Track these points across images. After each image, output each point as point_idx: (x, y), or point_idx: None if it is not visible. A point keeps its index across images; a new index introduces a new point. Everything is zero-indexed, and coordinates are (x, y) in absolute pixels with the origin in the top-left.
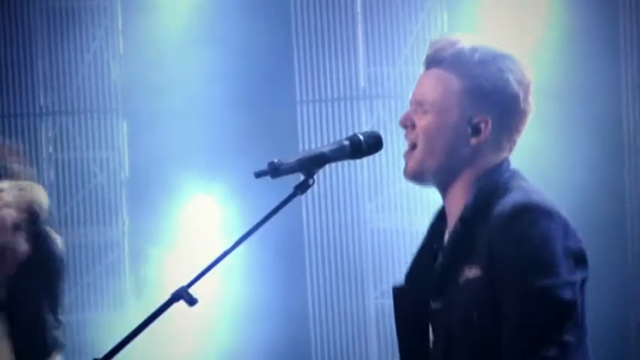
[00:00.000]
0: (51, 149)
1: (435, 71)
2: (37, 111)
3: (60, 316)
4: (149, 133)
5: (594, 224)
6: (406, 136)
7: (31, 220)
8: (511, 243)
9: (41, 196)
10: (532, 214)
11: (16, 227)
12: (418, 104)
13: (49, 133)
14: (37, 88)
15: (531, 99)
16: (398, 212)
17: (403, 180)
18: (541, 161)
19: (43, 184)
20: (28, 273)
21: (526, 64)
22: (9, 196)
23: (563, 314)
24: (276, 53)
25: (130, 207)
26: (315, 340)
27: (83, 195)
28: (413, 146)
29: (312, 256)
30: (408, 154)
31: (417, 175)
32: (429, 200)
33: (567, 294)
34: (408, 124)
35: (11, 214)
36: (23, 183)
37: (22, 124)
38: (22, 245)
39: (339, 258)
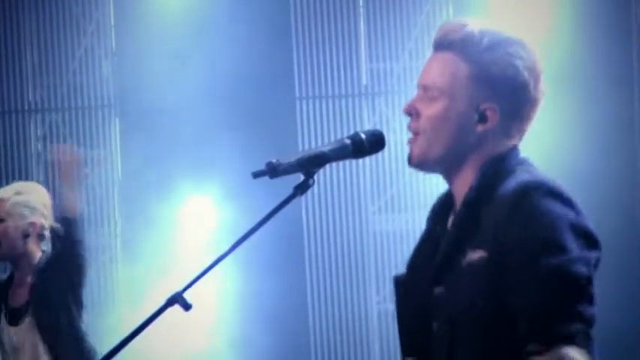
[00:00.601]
0: (40, 148)
1: (443, 55)
2: (26, 108)
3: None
4: (143, 131)
5: (606, 216)
6: (409, 125)
7: (40, 224)
8: (516, 223)
9: (42, 197)
10: (537, 192)
11: (26, 234)
12: (424, 89)
13: (38, 131)
14: (25, 84)
15: (542, 87)
16: (402, 213)
17: (407, 180)
18: (552, 151)
19: None
20: (50, 279)
21: (536, 51)
22: (11, 205)
23: (580, 289)
24: (274, 47)
25: (122, 208)
26: (315, 346)
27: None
28: (416, 134)
29: (312, 260)
30: (412, 141)
31: (421, 163)
32: (433, 201)
33: (581, 268)
34: (412, 112)
35: (17, 222)
36: (21, 186)
37: (10, 121)
38: (36, 251)
39: (340, 261)
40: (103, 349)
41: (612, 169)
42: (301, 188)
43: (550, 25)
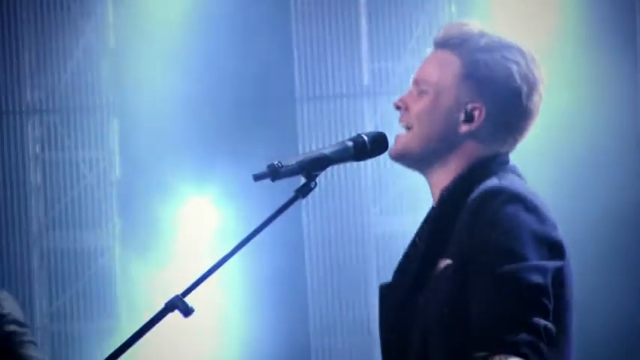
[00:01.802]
0: (38, 149)
1: (440, 53)
2: (24, 108)
3: None
4: (141, 131)
5: (610, 207)
6: (400, 119)
7: None
8: (477, 229)
9: None
10: (499, 198)
11: None
12: (415, 83)
13: (36, 132)
14: (23, 84)
15: (538, 99)
16: (404, 215)
17: (409, 181)
18: (554, 152)
19: (29, 186)
20: None
21: (537, 61)
22: None
23: (532, 297)
24: (274, 46)
25: (121, 209)
26: (316, 349)
27: (72, 197)
28: (407, 129)
29: (312, 261)
30: (399, 136)
31: (401, 157)
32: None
33: (535, 277)
34: (401, 105)
35: None
36: None
37: (7, 122)
38: None
39: (341, 264)
40: (103, 352)
41: (616, 168)
42: (303, 191)
43: (553, 24)
